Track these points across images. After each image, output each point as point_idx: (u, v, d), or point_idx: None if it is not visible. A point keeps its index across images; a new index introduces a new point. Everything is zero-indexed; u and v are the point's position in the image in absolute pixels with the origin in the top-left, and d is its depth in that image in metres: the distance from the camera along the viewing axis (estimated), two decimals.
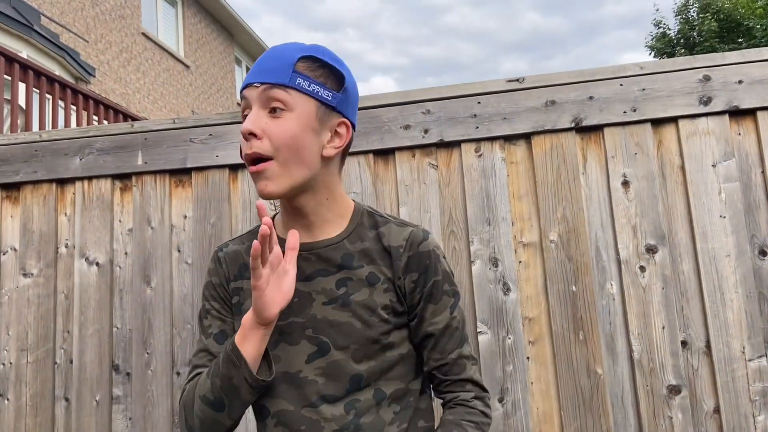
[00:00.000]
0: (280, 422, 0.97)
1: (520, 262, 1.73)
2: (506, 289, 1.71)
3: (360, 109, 1.85)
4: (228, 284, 1.06)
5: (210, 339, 1.06)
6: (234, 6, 12.93)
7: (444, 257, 1.04)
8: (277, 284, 0.93)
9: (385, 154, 1.84)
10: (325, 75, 0.97)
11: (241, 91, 0.98)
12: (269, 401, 0.98)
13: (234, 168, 1.94)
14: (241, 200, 1.92)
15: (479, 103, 1.78)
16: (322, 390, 0.96)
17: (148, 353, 1.87)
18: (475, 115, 1.77)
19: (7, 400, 1.91)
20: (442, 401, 1.03)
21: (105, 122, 4.47)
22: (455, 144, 1.79)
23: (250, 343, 0.94)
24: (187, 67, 11.50)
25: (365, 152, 1.84)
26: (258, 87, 0.94)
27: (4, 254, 1.99)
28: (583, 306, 1.68)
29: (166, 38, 11.04)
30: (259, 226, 1.03)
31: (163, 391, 1.84)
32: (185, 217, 1.94)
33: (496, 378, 1.68)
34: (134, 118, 4.93)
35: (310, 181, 0.97)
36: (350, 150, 1.83)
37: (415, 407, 1.01)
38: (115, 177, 1.98)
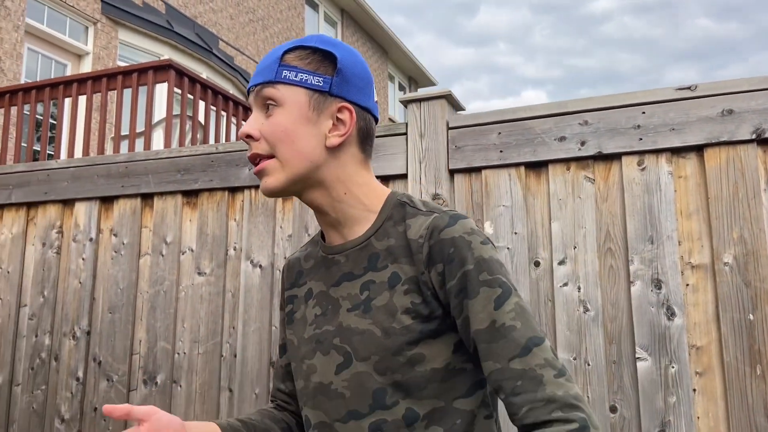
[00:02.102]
0: None
1: (688, 285, 1.59)
2: (670, 314, 1.58)
3: (511, 120, 1.83)
4: (284, 293, 1.04)
5: (278, 349, 1.09)
6: (389, 24, 13.36)
7: (485, 243, 0.85)
8: None
9: (537, 166, 1.79)
10: (317, 61, 0.90)
11: (247, 99, 0.97)
12: (311, 412, 0.92)
13: (385, 179, 1.99)
14: None
15: (644, 113, 1.67)
16: (349, 404, 0.87)
17: None
18: (638, 126, 1.67)
19: (180, 386, 2.11)
20: None
21: None
22: (615, 156, 1.70)
23: None
24: None
25: (516, 165, 1.80)
26: (254, 90, 0.92)
27: (182, 254, 2.21)
28: (761, 337, 1.50)
29: None
30: (319, 233, 1.03)
31: None
32: None
33: (656, 409, 1.56)
34: None
35: (317, 175, 0.90)
36: (500, 162, 1.82)
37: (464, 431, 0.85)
38: None
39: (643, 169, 1.66)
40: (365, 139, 0.94)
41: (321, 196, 0.92)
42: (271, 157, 0.90)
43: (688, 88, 1.66)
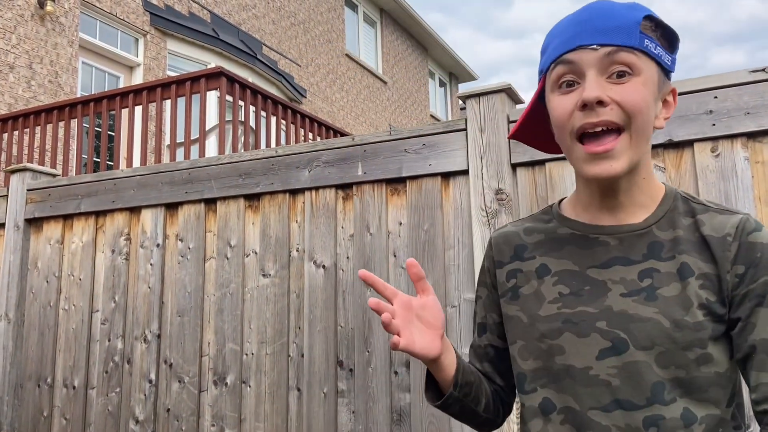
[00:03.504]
0: (568, 420, 0.85)
1: None
2: None
3: None
4: (496, 269, 0.99)
5: (475, 327, 1.04)
6: (428, 21, 13.32)
7: None
8: (413, 329, 0.87)
9: None
10: (664, 38, 0.85)
11: (562, 55, 0.85)
12: (555, 395, 0.87)
13: (446, 176, 1.98)
14: (453, 207, 1.96)
15: (716, 97, 1.61)
16: (618, 394, 0.82)
17: (368, 351, 1.98)
18: (710, 111, 1.61)
19: (249, 387, 2.15)
20: None
21: (318, 138, 4.87)
22: (687, 144, 1.65)
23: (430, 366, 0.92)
24: (385, 83, 12.09)
25: None
26: (597, 50, 0.82)
27: (247, 257, 2.25)
28: None
29: (366, 57, 11.74)
30: (550, 208, 0.99)
31: (382, 388, 1.94)
32: (400, 223, 2.03)
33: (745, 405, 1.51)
34: (342, 134, 5.30)
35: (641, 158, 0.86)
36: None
37: None
38: (338, 187, 2.14)
39: (717, 156, 1.61)
40: None
41: (626, 179, 0.86)
42: (620, 130, 0.82)
43: (762, 70, 1.60)
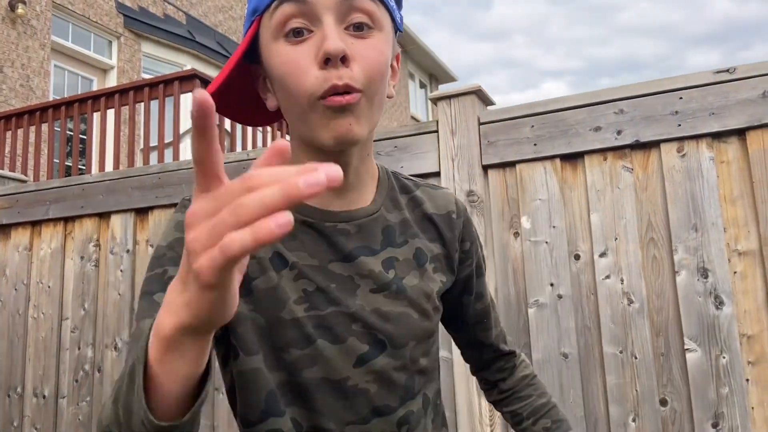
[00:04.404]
0: None
1: (735, 272, 1.54)
2: (719, 303, 1.54)
3: (544, 113, 1.80)
4: None
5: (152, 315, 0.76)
6: (406, 23, 13.32)
7: None
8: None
9: (573, 158, 1.76)
10: None
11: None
12: (301, 414, 0.71)
13: (418, 177, 1.98)
14: None
15: (681, 98, 1.63)
16: (376, 401, 0.73)
17: None
18: (676, 112, 1.63)
19: (222, 394, 2.13)
20: (512, 378, 0.92)
21: None
22: (653, 144, 1.66)
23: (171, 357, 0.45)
24: None
25: (551, 157, 1.77)
26: None
27: None
28: None
29: None
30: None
31: None
32: None
33: (709, 401, 1.52)
34: None
35: None
36: (535, 155, 1.80)
37: (441, 410, 0.84)
38: None
39: (683, 156, 1.62)
40: None
41: (355, 153, 0.72)
42: (358, 91, 0.65)
43: (727, 70, 1.61)
